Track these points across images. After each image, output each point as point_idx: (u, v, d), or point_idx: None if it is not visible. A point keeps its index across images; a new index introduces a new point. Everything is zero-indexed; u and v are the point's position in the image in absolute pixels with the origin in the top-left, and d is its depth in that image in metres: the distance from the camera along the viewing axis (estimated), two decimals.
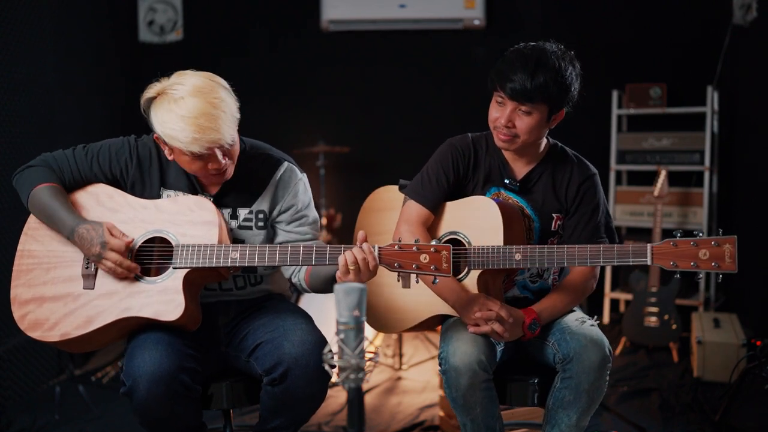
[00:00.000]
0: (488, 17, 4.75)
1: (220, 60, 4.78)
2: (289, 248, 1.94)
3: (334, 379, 3.26)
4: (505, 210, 2.07)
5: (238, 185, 2.12)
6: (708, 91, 4.35)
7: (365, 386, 2.41)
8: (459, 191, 2.22)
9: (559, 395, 2.01)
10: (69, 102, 3.93)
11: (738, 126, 4.42)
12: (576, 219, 2.17)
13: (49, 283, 2.00)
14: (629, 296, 4.24)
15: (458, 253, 2.04)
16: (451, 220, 2.18)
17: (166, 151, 2.03)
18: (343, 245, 1.91)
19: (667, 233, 4.18)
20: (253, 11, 4.96)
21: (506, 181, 2.19)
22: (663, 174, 4.06)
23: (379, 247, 1.87)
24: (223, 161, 1.97)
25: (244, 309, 2.20)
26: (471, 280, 2.07)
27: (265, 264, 1.97)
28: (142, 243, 2.02)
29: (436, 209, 2.19)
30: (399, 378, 3.73)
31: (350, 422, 1.36)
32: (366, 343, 1.33)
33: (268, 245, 1.99)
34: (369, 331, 2.98)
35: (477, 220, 2.09)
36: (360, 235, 1.89)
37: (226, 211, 2.13)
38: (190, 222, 2.01)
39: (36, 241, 2.05)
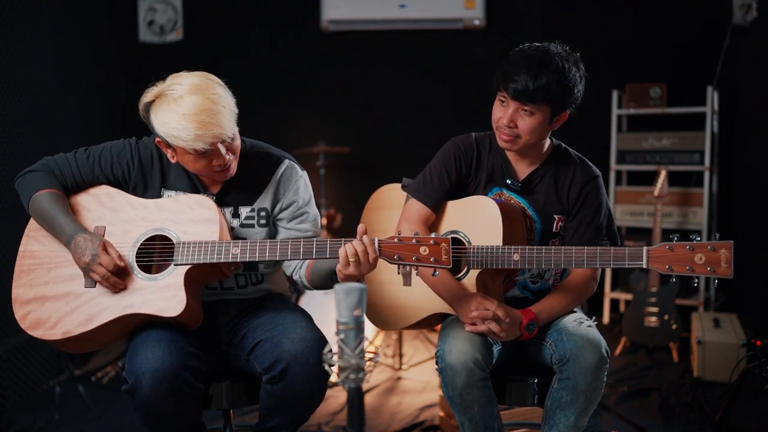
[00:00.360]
0: (488, 17, 4.75)
1: (220, 60, 4.78)
2: (290, 243, 1.95)
3: (333, 379, 3.26)
4: (506, 210, 2.07)
5: (239, 184, 2.13)
6: (708, 91, 4.35)
7: (365, 386, 2.41)
8: (461, 191, 2.22)
9: (557, 396, 2.01)
10: (69, 102, 3.93)
11: (738, 126, 4.43)
12: (577, 221, 2.17)
13: (51, 282, 2.01)
14: (629, 296, 4.24)
15: (458, 252, 2.04)
16: (452, 219, 2.18)
17: (169, 154, 2.04)
18: (343, 239, 1.91)
19: (667, 233, 4.19)
20: (253, 11, 4.97)
21: (508, 181, 2.19)
22: (663, 174, 4.06)
23: (379, 240, 1.88)
24: (227, 157, 1.99)
25: (244, 308, 2.21)
26: (470, 279, 2.07)
27: (266, 259, 1.97)
28: (144, 241, 2.03)
29: (437, 208, 2.19)
30: (399, 378, 3.74)
31: (350, 422, 1.36)
32: (366, 343, 1.33)
33: (268, 240, 2.00)
34: (369, 330, 2.97)
35: (477, 219, 2.09)
36: (360, 228, 1.90)
37: (228, 210, 2.14)
38: (190, 220, 2.02)
39: (37, 242, 2.06)
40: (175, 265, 1.97)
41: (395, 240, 1.87)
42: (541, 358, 2.12)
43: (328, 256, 1.93)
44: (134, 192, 2.11)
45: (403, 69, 4.92)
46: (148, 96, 1.99)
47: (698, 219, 4.43)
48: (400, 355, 3.84)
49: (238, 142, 2.04)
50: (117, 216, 2.05)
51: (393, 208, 2.31)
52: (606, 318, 4.59)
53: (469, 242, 2.09)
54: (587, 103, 2.14)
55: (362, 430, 1.37)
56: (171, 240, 2.01)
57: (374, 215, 2.39)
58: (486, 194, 2.19)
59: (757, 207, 4.03)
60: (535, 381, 2.10)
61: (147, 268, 2.02)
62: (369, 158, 4.88)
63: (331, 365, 1.36)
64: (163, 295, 1.95)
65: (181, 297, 1.94)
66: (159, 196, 2.11)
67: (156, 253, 2.03)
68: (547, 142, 2.20)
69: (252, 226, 2.15)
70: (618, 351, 4.02)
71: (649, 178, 4.32)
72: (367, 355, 1.33)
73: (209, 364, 2.07)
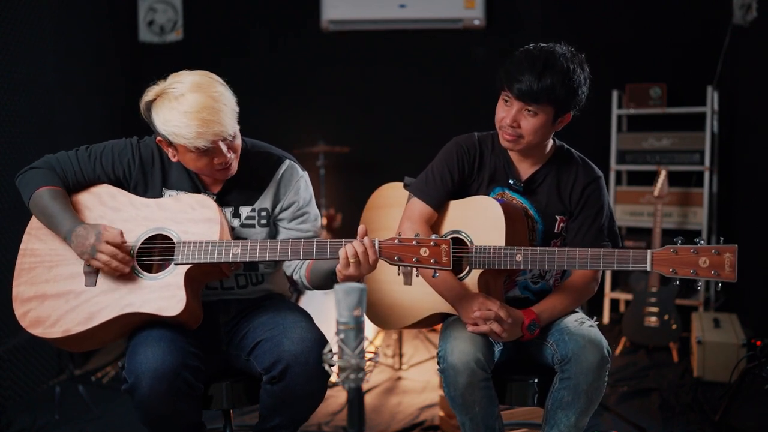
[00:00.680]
0: (488, 17, 4.75)
1: (220, 60, 4.78)
2: (290, 243, 1.95)
3: (333, 379, 3.26)
4: (508, 210, 2.07)
5: (240, 183, 2.13)
6: (708, 91, 4.35)
7: (365, 386, 2.41)
8: (463, 190, 2.22)
9: (558, 396, 2.01)
10: (69, 102, 3.93)
11: (738, 126, 4.43)
12: (579, 221, 2.17)
13: (51, 281, 2.01)
14: (629, 296, 4.24)
15: (460, 252, 2.04)
16: (454, 219, 2.18)
17: (170, 153, 2.04)
18: (343, 239, 1.91)
19: (667, 233, 4.22)
20: (253, 11, 4.97)
21: (511, 181, 2.19)
22: (663, 174, 4.07)
23: (380, 241, 1.88)
24: (228, 155, 1.99)
25: (245, 308, 2.21)
26: (472, 279, 2.07)
27: (267, 259, 1.97)
28: (144, 240, 2.03)
29: (439, 207, 2.19)
30: (399, 378, 3.74)
31: (350, 422, 1.36)
32: (366, 343, 1.33)
33: (269, 240, 2.00)
34: (369, 330, 2.97)
35: (480, 219, 2.09)
36: (360, 229, 1.90)
37: (229, 210, 2.14)
38: (191, 219, 2.02)
39: (39, 240, 2.06)
40: (176, 264, 1.98)
41: (395, 241, 1.87)
42: (543, 358, 2.12)
43: (328, 257, 1.93)
44: (135, 191, 2.11)
45: (403, 69, 4.92)
46: (149, 95, 1.99)
47: (698, 219, 4.43)
48: (400, 355, 3.84)
49: (239, 141, 2.05)
50: (118, 215, 2.05)
51: (394, 207, 2.31)
52: (606, 318, 4.59)
53: (471, 242, 2.09)
54: (587, 103, 2.14)
55: (362, 430, 1.37)
56: (171, 239, 2.01)
57: (375, 214, 2.39)
58: (488, 194, 2.19)
59: (757, 207, 4.03)
60: (536, 381, 2.10)
61: (148, 268, 2.02)
62: (369, 158, 4.88)
63: (331, 365, 1.36)
64: (163, 294, 1.95)
65: (182, 296, 1.94)
66: (160, 195, 2.12)
67: (156, 252, 2.03)
68: (550, 142, 2.20)
69: (252, 226, 2.15)
70: (618, 351, 4.02)
71: (649, 178, 4.32)
72: (367, 355, 1.33)
73: (209, 364, 2.06)
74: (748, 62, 4.23)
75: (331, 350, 1.36)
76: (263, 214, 2.16)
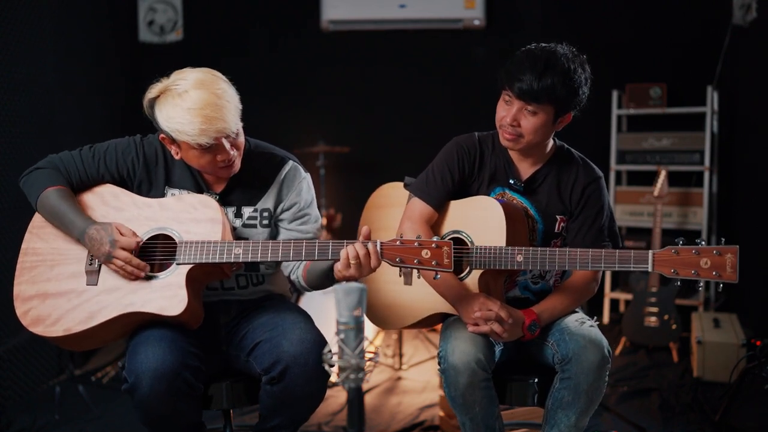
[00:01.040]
0: (488, 17, 4.75)
1: (220, 60, 4.72)
2: (292, 243, 1.95)
3: (333, 379, 3.26)
4: (509, 210, 2.07)
5: (242, 183, 2.14)
6: (708, 91, 4.35)
7: (365, 386, 2.41)
8: (464, 190, 2.22)
9: (558, 396, 2.01)
10: (69, 102, 3.93)
11: (738, 126, 4.43)
12: (579, 222, 2.17)
13: (53, 279, 2.01)
14: (629, 296, 4.24)
15: (460, 252, 2.04)
16: (455, 219, 2.18)
17: (173, 150, 2.04)
18: (345, 241, 1.91)
19: (667, 233, 4.21)
20: (253, 11, 4.96)
21: (511, 181, 2.19)
22: (663, 174, 4.06)
23: (381, 242, 1.88)
24: (231, 152, 2.00)
25: (245, 309, 2.21)
26: (472, 279, 2.07)
27: (268, 260, 1.97)
28: (146, 240, 2.03)
29: (440, 207, 2.19)
30: (399, 378, 3.74)
31: (350, 422, 1.36)
32: (366, 343, 1.33)
33: (270, 241, 2.00)
34: (369, 330, 2.96)
35: (480, 219, 2.09)
36: (364, 230, 1.90)
37: (231, 210, 2.14)
38: (193, 220, 2.03)
39: (40, 239, 2.07)
40: (177, 264, 1.98)
41: (397, 242, 1.87)
42: (543, 358, 2.13)
43: (330, 258, 1.93)
44: (139, 189, 2.11)
45: (403, 69, 4.92)
46: (152, 92, 1.99)
47: (698, 219, 4.43)
48: (400, 355, 3.84)
49: (242, 139, 2.05)
50: (120, 215, 2.06)
51: (394, 207, 2.31)
52: (606, 318, 4.59)
53: (471, 242, 2.09)
54: (588, 103, 2.14)
55: (362, 430, 1.37)
56: (173, 239, 2.01)
57: (375, 213, 2.39)
58: (488, 194, 2.19)
59: (757, 207, 4.03)
60: (536, 381, 2.10)
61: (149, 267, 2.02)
62: (369, 158, 4.88)
63: (331, 365, 1.36)
64: (164, 293, 1.95)
65: (183, 296, 1.94)
66: (163, 194, 2.12)
67: (158, 252, 2.03)
68: (550, 142, 2.20)
69: (254, 226, 2.15)
70: (618, 351, 4.02)
71: (649, 178, 4.31)
72: (367, 355, 1.33)
73: (209, 364, 2.06)
74: (748, 62, 4.23)
75: (330, 350, 1.36)
76: (265, 214, 2.16)
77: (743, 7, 4.07)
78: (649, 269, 1.88)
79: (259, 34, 4.99)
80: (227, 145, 1.98)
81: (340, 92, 4.98)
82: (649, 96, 4.45)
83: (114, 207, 2.07)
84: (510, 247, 2.00)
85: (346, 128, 4.92)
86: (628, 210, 4.61)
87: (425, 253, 1.85)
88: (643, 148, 4.52)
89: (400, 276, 2.11)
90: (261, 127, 2.81)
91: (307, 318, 2.11)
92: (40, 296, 2.00)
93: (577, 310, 2.21)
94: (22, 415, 3.19)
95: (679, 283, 1.90)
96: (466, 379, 1.95)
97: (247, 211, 2.15)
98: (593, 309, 4.57)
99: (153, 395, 1.86)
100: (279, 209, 2.17)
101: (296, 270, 2.17)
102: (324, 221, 4.39)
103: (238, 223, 2.15)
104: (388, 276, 2.23)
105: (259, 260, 1.98)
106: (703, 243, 1.84)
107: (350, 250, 1.87)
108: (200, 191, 2.12)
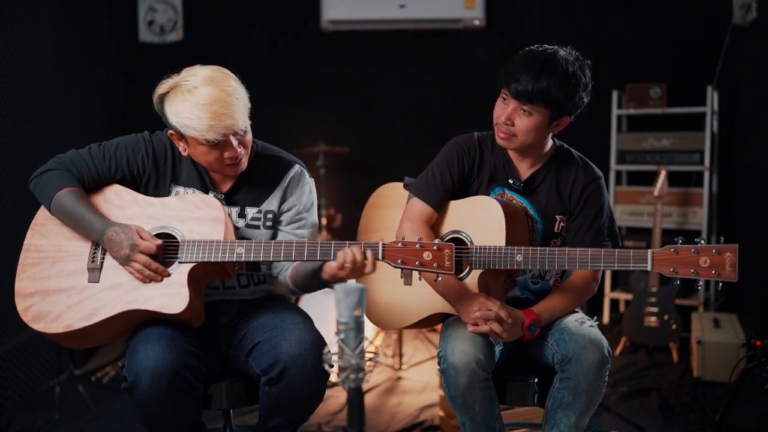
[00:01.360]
0: (488, 17, 4.75)
1: (220, 60, 4.72)
2: (294, 244, 1.95)
3: (333, 378, 3.26)
4: (508, 210, 2.08)
5: (248, 184, 2.15)
6: (708, 91, 4.35)
7: (365, 386, 2.41)
8: (463, 190, 2.22)
9: (558, 396, 2.01)
10: (69, 102, 3.93)
11: (738, 126, 4.43)
12: (579, 222, 2.17)
13: (54, 276, 2.01)
14: (629, 296, 4.24)
15: (460, 252, 2.04)
16: (455, 219, 2.18)
17: (181, 146, 2.05)
18: (348, 242, 1.92)
19: (667, 233, 4.21)
20: (253, 11, 4.96)
21: (510, 181, 2.19)
22: (663, 174, 4.07)
23: (383, 244, 1.88)
24: (239, 149, 2.01)
25: (245, 308, 2.21)
26: (472, 279, 2.07)
27: (270, 259, 1.98)
28: None
29: (440, 207, 2.19)
30: (399, 378, 3.74)
31: (350, 422, 1.37)
32: (366, 343, 1.33)
33: (273, 241, 2.01)
34: (369, 330, 2.96)
35: (480, 219, 2.10)
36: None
37: (235, 210, 2.15)
38: (196, 219, 2.03)
39: (42, 236, 2.07)
40: (180, 262, 1.98)
41: (399, 244, 1.87)
42: (543, 358, 2.13)
43: (332, 259, 1.93)
44: (146, 186, 2.12)
45: (403, 69, 4.92)
46: (162, 88, 2.00)
47: (698, 219, 4.43)
48: (400, 355, 3.84)
49: (249, 137, 2.06)
50: (122, 213, 2.06)
51: (394, 207, 2.31)
52: (606, 318, 4.59)
53: (471, 242, 2.09)
54: (586, 109, 2.14)
55: (362, 430, 1.37)
56: (176, 238, 2.01)
57: (375, 214, 2.39)
58: (488, 194, 2.19)
59: (757, 207, 4.03)
60: (536, 381, 2.10)
61: None
62: (369, 158, 4.88)
63: (330, 366, 1.36)
64: (166, 291, 1.95)
65: (185, 294, 1.94)
66: (168, 191, 2.12)
67: (160, 250, 2.03)
68: (550, 142, 2.20)
69: (257, 227, 2.16)
70: (618, 351, 4.02)
71: (649, 178, 4.31)
72: (367, 355, 1.33)
73: (209, 363, 2.06)
74: (748, 62, 4.23)
75: (329, 351, 1.36)
76: (269, 216, 2.17)
77: (743, 7, 4.07)
78: (649, 268, 1.87)
79: (259, 34, 4.99)
80: (235, 142, 1.99)
81: (340, 92, 4.98)
82: (649, 96, 4.45)
83: (116, 205, 2.08)
84: (510, 247, 2.00)
85: (346, 128, 4.92)
86: (628, 210, 4.61)
87: (427, 255, 1.85)
88: (643, 148, 4.52)
89: (402, 276, 2.11)
90: (261, 127, 2.80)
91: (306, 319, 2.11)
92: (41, 293, 2.00)
93: (576, 310, 2.21)
94: (22, 415, 3.19)
95: (678, 282, 1.90)
96: (466, 379, 1.95)
97: (251, 211, 2.16)
98: (593, 309, 4.57)
99: (153, 394, 1.86)
100: (280, 211, 2.18)
101: (284, 271, 2.18)
102: (324, 221, 4.39)
103: (241, 223, 2.15)
104: (388, 276, 2.23)
105: (261, 260, 1.98)
106: (703, 242, 1.84)
107: (347, 254, 1.87)
108: (206, 190, 2.13)
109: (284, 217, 2.18)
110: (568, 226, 2.19)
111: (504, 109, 2.08)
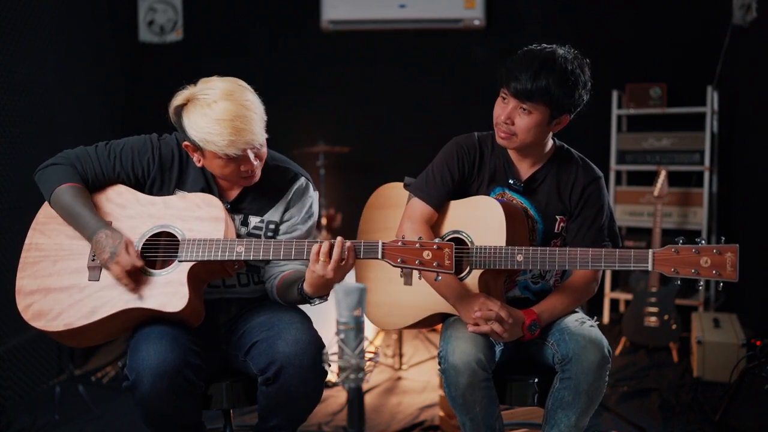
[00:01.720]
0: (488, 17, 4.75)
1: (220, 60, 4.77)
2: (294, 243, 1.95)
3: (333, 378, 3.25)
4: (509, 210, 2.08)
5: (254, 194, 2.16)
6: (708, 91, 4.35)
7: (365, 386, 2.41)
8: (463, 190, 2.22)
9: (558, 396, 2.01)
10: (69, 102, 3.93)
11: (738, 126, 4.43)
12: (579, 222, 2.17)
13: (55, 274, 2.02)
14: (629, 296, 4.24)
15: (461, 252, 2.04)
16: (455, 219, 2.18)
17: (195, 158, 2.06)
18: (349, 241, 1.92)
19: (667, 233, 4.21)
20: (253, 11, 4.96)
21: (511, 181, 2.19)
22: (663, 174, 4.07)
23: (383, 243, 1.88)
24: (255, 162, 2.02)
25: (245, 307, 2.21)
26: (472, 279, 2.07)
27: (270, 259, 1.98)
28: (150, 237, 2.04)
29: (440, 207, 2.19)
30: (399, 378, 3.74)
31: (350, 422, 1.36)
32: (366, 343, 1.33)
33: (273, 240, 2.02)
34: (369, 330, 2.96)
35: (480, 219, 2.10)
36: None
37: (238, 218, 2.16)
38: (197, 218, 2.04)
39: (44, 235, 2.07)
40: (180, 261, 1.98)
41: (399, 243, 1.88)
42: (543, 358, 2.13)
43: None
44: (150, 188, 2.12)
45: (403, 69, 4.92)
46: (178, 99, 2.00)
47: (698, 219, 4.43)
48: (400, 355, 3.84)
49: (265, 149, 2.08)
50: (124, 212, 2.07)
51: (394, 207, 2.31)
52: (606, 318, 4.59)
53: (471, 242, 2.09)
54: (585, 108, 2.14)
55: (362, 430, 1.37)
56: (176, 237, 2.02)
57: (375, 214, 2.39)
58: (488, 194, 2.19)
59: (757, 207, 4.03)
60: (536, 381, 2.10)
61: (151, 264, 2.02)
62: (369, 158, 4.88)
63: (328, 365, 1.36)
64: (166, 290, 1.96)
65: (184, 293, 1.94)
66: (171, 194, 2.12)
67: (161, 249, 2.04)
68: (550, 142, 2.20)
69: (258, 237, 2.16)
70: (618, 351, 4.02)
71: (649, 178, 4.31)
72: (367, 355, 1.33)
73: (210, 362, 2.07)
74: (748, 62, 4.23)
75: (326, 351, 1.36)
76: (271, 226, 2.17)
77: (743, 7, 4.07)
78: (649, 268, 1.88)
79: (259, 34, 4.99)
80: (251, 156, 2.00)
81: (340, 92, 4.97)
82: (649, 96, 4.45)
83: (117, 204, 2.08)
84: (510, 247, 2.00)
85: (346, 128, 4.92)
86: (628, 210, 4.61)
87: (427, 255, 1.85)
88: (643, 148, 4.52)
89: (402, 276, 2.11)
90: None
91: (304, 318, 2.11)
92: (42, 291, 2.00)
93: (577, 310, 2.21)
94: (22, 415, 3.19)
95: (679, 282, 1.90)
96: (466, 379, 1.95)
97: (253, 220, 2.16)
98: (593, 309, 4.57)
99: (154, 393, 1.86)
100: (281, 221, 2.19)
101: (272, 279, 2.18)
102: (324, 221, 4.39)
103: (243, 231, 2.16)
104: (387, 275, 2.24)
105: (261, 258, 1.98)
106: (703, 242, 1.85)
107: (321, 247, 1.88)
108: None
109: (282, 227, 2.19)
110: (569, 226, 2.19)
111: (504, 108, 2.08)
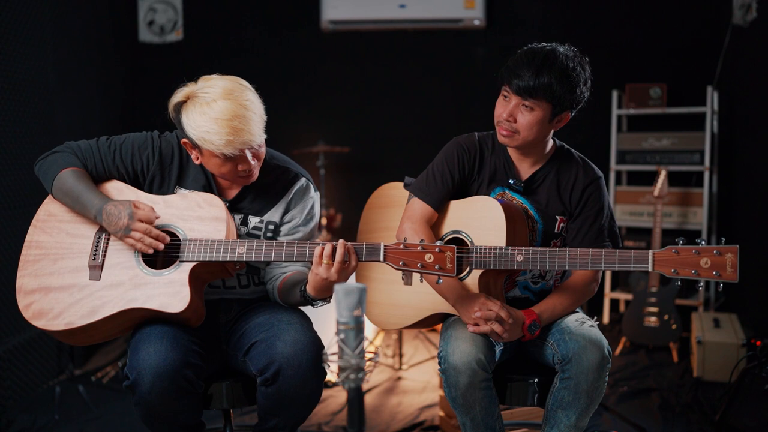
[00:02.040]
0: (488, 17, 4.76)
1: (220, 60, 4.78)
2: (296, 244, 1.95)
3: (333, 379, 3.26)
4: (509, 211, 2.08)
5: (254, 193, 2.15)
6: (708, 91, 4.35)
7: (365, 386, 2.41)
8: (463, 190, 2.22)
9: (558, 396, 2.01)
10: (69, 102, 3.93)
11: (738, 126, 4.43)
12: (579, 222, 2.17)
13: (56, 273, 2.01)
14: (629, 296, 4.24)
15: (461, 252, 2.04)
16: (455, 219, 2.18)
17: (194, 155, 2.05)
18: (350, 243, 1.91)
19: (667, 233, 4.21)
20: (253, 11, 4.96)
21: (511, 181, 2.19)
22: (663, 174, 4.07)
23: (385, 245, 1.88)
24: (253, 162, 2.01)
25: (245, 308, 2.21)
26: (472, 279, 2.07)
27: (272, 260, 1.98)
28: None
29: (440, 208, 2.19)
30: (399, 378, 3.74)
31: (350, 422, 1.36)
32: (366, 343, 1.33)
33: (275, 241, 2.02)
34: (369, 330, 2.96)
35: (480, 220, 2.10)
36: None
37: (238, 217, 2.15)
38: (198, 218, 2.03)
39: (44, 233, 2.07)
40: (181, 261, 1.98)
41: (401, 246, 1.87)
42: (543, 358, 2.13)
43: None
44: (150, 186, 2.12)
45: (403, 69, 4.92)
46: (178, 96, 2.00)
47: (698, 219, 4.43)
48: (400, 355, 3.84)
49: (264, 149, 2.07)
50: None
51: (394, 207, 2.32)
52: (606, 318, 4.59)
53: (471, 242, 2.09)
54: (586, 105, 2.15)
55: (362, 430, 1.37)
56: (177, 236, 2.01)
57: (375, 214, 2.39)
58: (489, 194, 2.19)
59: (757, 207, 4.03)
60: (536, 381, 2.10)
61: (152, 264, 2.02)
62: (369, 158, 4.88)
63: (327, 365, 1.36)
64: (167, 290, 1.96)
65: (186, 293, 1.94)
66: (172, 193, 2.12)
67: (162, 248, 2.03)
68: (550, 142, 2.20)
69: (258, 237, 2.16)
70: (618, 351, 4.02)
71: (649, 178, 4.31)
72: (367, 355, 1.33)
73: (210, 362, 2.07)
74: (748, 62, 4.23)
75: (326, 351, 1.36)
76: (270, 227, 2.17)
77: (743, 7, 4.07)
78: (650, 269, 1.88)
79: (259, 35, 4.99)
80: (249, 156, 1.99)
81: (340, 92, 4.97)
82: (649, 96, 4.45)
83: None
84: (510, 247, 2.00)
85: (346, 128, 4.92)
86: (628, 210, 4.61)
87: (429, 257, 1.85)
88: (643, 148, 4.52)
89: (402, 277, 2.11)
90: None
91: (303, 319, 2.11)
92: (42, 290, 2.00)
93: (577, 310, 2.21)
94: (22, 415, 3.19)
95: (679, 282, 1.90)
96: (466, 380, 1.95)
97: (253, 220, 2.16)
98: (593, 309, 4.57)
99: (154, 392, 1.86)
100: (282, 222, 2.19)
101: (274, 280, 2.18)
102: (324, 221, 4.39)
103: (242, 231, 2.15)
104: (387, 275, 2.24)
105: (262, 259, 1.98)
106: (704, 243, 1.85)
107: (322, 249, 1.88)
108: None
109: (283, 228, 2.19)
110: (569, 226, 2.19)
111: (505, 106, 2.09)
